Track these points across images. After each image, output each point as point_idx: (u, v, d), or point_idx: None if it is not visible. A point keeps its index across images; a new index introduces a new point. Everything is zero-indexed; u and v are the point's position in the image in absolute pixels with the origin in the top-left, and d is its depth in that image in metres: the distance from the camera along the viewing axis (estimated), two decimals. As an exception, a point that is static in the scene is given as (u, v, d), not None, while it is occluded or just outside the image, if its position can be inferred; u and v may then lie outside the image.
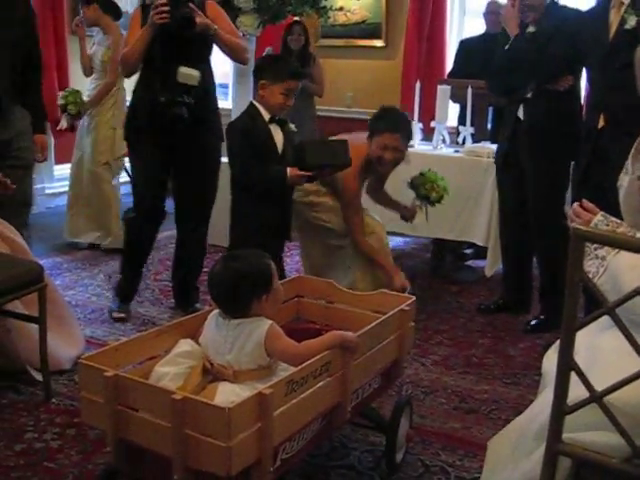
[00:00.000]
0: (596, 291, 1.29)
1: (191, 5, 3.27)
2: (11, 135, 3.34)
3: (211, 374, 1.99)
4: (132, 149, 3.64)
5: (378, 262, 3.47)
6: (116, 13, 4.84)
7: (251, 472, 1.76)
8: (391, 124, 3.34)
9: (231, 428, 1.64)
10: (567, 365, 1.37)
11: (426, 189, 3.62)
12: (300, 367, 1.88)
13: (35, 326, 2.72)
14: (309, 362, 1.89)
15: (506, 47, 3.65)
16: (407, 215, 3.70)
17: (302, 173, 3.01)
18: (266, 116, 3.13)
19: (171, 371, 1.96)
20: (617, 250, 1.60)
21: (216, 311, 2.07)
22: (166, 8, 3.23)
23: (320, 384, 1.94)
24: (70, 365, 2.99)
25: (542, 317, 3.75)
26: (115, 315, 3.67)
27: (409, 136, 3.50)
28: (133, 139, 3.59)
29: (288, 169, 3.02)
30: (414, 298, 2.44)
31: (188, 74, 3.32)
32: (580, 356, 1.59)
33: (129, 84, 4.01)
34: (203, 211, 3.69)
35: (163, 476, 1.75)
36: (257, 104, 3.13)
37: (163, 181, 3.62)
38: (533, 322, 3.77)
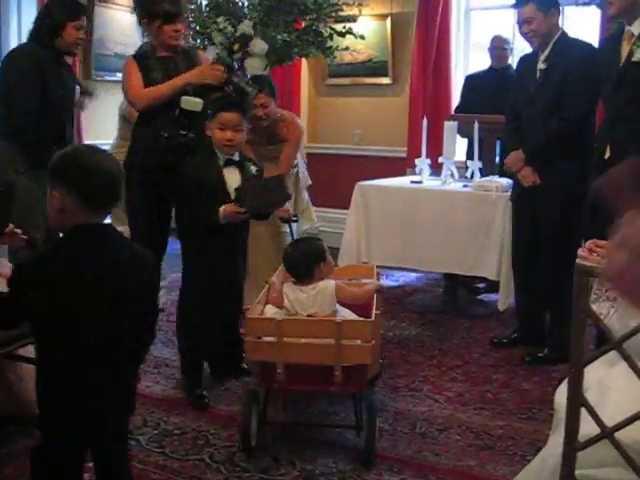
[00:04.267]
0: (603, 326, 1.29)
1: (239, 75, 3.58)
2: None
3: None
4: (130, 194, 3.28)
5: None
6: None
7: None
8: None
9: (374, 332, 2.65)
10: (577, 401, 1.36)
11: None
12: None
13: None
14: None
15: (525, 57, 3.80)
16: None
17: (237, 210, 3.07)
18: (222, 159, 3.17)
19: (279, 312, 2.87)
20: None
21: (288, 284, 2.92)
22: (224, 72, 3.44)
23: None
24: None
25: (545, 351, 3.73)
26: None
27: (272, 92, 4.14)
28: (133, 180, 3.25)
29: (222, 207, 3.06)
30: None
31: (191, 101, 3.37)
32: (591, 392, 1.59)
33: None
34: None
35: (314, 383, 2.73)
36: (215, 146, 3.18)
37: (164, 231, 3.57)
38: (538, 355, 3.75)
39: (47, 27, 3.69)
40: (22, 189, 3.32)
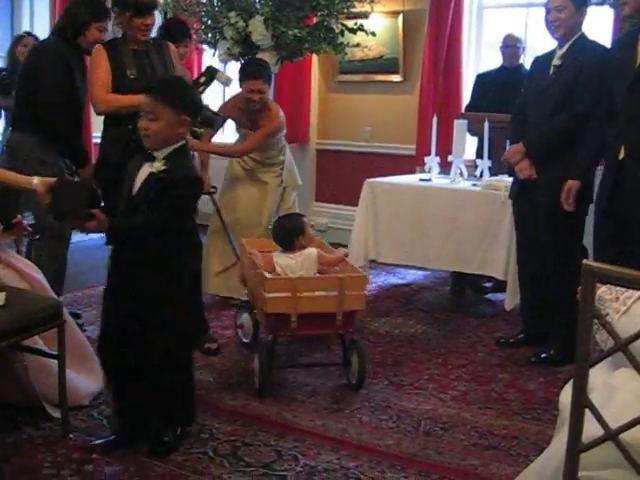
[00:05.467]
0: (608, 327, 1.28)
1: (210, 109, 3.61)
2: None
3: None
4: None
5: None
6: None
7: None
8: (252, 72, 4.13)
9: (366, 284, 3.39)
10: (581, 402, 1.36)
11: None
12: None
13: (54, 362, 2.74)
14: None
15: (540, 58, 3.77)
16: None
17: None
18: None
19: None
20: (623, 310, 1.61)
21: (277, 253, 3.48)
22: None
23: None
24: (88, 401, 3.01)
25: (551, 351, 3.72)
26: None
27: (269, 80, 4.30)
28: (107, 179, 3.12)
29: None
30: None
31: (229, 78, 3.51)
32: (596, 393, 1.58)
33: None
34: None
35: (318, 328, 3.31)
36: None
37: None
38: (542, 355, 3.74)
39: (72, 25, 3.76)
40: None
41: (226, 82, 4.02)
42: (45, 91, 3.73)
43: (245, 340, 3.78)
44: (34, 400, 2.84)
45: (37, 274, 2.99)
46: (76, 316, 3.95)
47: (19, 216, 2.94)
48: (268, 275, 3.26)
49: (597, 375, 1.41)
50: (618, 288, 1.76)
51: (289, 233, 3.48)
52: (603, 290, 1.72)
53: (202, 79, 3.58)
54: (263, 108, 4.26)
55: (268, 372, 3.25)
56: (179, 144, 2.62)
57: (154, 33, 3.85)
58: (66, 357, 2.74)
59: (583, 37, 3.65)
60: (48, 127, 3.73)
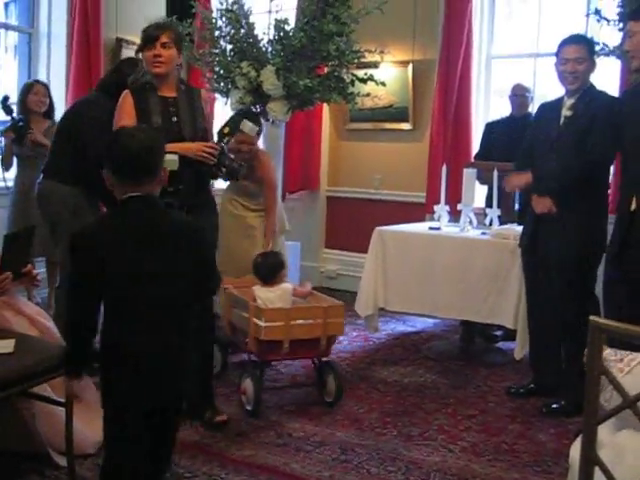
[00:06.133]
0: (616, 384, 1.28)
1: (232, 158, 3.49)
2: None
3: None
4: None
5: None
6: None
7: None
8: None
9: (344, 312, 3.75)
10: (590, 460, 1.34)
11: None
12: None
13: (61, 409, 2.73)
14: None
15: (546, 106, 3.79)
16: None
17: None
18: None
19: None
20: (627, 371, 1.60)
21: (258, 287, 3.75)
22: (215, 153, 3.30)
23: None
24: (94, 450, 2.98)
25: (562, 402, 3.68)
26: None
27: (260, 130, 4.40)
28: None
29: None
30: None
31: (166, 160, 3.29)
32: (607, 450, 1.57)
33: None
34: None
35: (304, 352, 3.72)
36: None
37: None
38: (553, 406, 3.70)
39: (116, 83, 3.86)
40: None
41: (250, 131, 4.04)
42: (94, 146, 3.79)
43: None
44: (40, 448, 2.83)
45: (47, 321, 3.01)
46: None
47: (29, 265, 2.96)
48: (263, 306, 3.63)
49: (605, 432, 1.39)
50: (622, 351, 1.76)
51: (273, 269, 3.81)
52: (608, 352, 1.72)
53: (226, 129, 3.49)
54: (252, 158, 4.32)
55: (260, 392, 3.55)
56: None
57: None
58: (73, 405, 2.73)
59: (592, 87, 3.68)
60: (95, 181, 3.81)
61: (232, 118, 3.58)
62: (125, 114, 3.31)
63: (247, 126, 3.87)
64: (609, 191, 3.84)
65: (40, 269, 5.19)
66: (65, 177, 4.00)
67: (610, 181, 3.89)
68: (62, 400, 2.72)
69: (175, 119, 3.32)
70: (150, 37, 3.32)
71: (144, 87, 3.42)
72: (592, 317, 1.26)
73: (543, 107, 3.92)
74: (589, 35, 4.26)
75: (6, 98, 5.11)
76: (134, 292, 2.13)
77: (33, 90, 5.18)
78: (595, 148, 3.51)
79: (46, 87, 5.31)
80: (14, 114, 5.05)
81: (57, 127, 4.26)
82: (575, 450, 1.94)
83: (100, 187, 3.78)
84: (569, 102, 3.66)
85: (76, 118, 4.04)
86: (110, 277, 2.12)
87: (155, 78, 3.37)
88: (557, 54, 3.68)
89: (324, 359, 3.78)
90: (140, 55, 3.45)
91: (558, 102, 3.74)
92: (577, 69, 3.58)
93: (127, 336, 2.13)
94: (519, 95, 5.32)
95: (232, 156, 3.54)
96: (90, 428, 2.98)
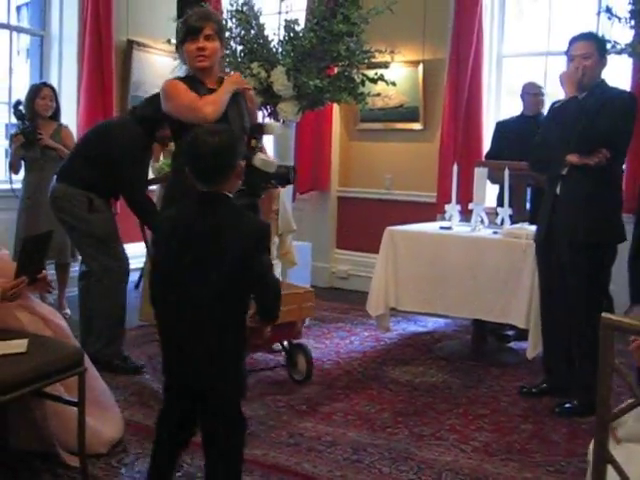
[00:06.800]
0: (629, 381, 1.27)
1: None
2: None
3: None
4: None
5: None
6: None
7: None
8: None
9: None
10: (603, 458, 1.34)
11: None
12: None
13: (74, 409, 2.74)
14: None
15: (556, 105, 3.71)
16: None
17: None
18: None
19: None
20: None
21: None
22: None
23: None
24: (107, 449, 3.00)
25: (575, 402, 3.66)
26: None
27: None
28: None
29: None
30: None
31: (268, 161, 3.23)
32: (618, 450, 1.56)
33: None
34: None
35: (284, 335, 3.95)
36: None
37: None
38: (567, 406, 3.68)
39: (152, 117, 3.88)
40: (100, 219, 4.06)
41: (275, 131, 4.03)
42: (131, 172, 3.95)
43: None
44: (52, 448, 2.84)
45: (61, 321, 3.02)
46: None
47: (44, 272, 2.97)
48: None
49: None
50: None
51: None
52: None
53: (253, 142, 3.32)
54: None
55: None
56: None
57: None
58: (86, 404, 2.74)
59: (603, 83, 3.67)
60: (133, 203, 4.10)
61: (254, 128, 3.40)
62: (185, 92, 3.16)
63: (271, 127, 3.81)
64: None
65: (49, 271, 5.24)
66: (79, 182, 4.07)
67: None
68: (75, 400, 2.74)
69: (223, 115, 3.18)
70: (193, 29, 3.16)
71: (191, 78, 3.27)
72: (604, 314, 1.25)
73: (555, 105, 3.89)
74: (600, 33, 4.24)
75: (19, 102, 5.15)
76: (170, 281, 2.31)
77: (41, 94, 5.21)
78: (603, 126, 3.48)
79: (53, 90, 5.33)
80: (25, 120, 5.08)
81: (83, 140, 4.36)
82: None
83: (135, 207, 4.04)
84: (580, 97, 3.65)
85: (109, 141, 4.07)
86: (157, 263, 2.40)
87: (198, 72, 3.23)
88: (567, 53, 3.68)
89: (295, 341, 4.06)
90: (181, 48, 3.27)
91: (569, 100, 3.72)
92: (584, 64, 3.58)
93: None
94: (532, 94, 5.29)
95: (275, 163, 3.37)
96: (103, 427, 2.99)
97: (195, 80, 3.25)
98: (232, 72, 4.28)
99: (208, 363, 2.29)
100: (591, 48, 3.59)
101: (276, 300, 2.38)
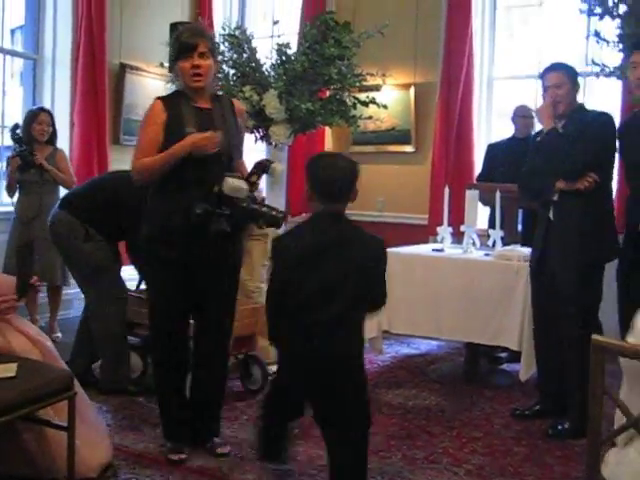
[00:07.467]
0: (620, 404, 1.27)
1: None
2: None
3: None
4: (153, 270, 3.29)
5: None
6: None
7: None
8: None
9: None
10: (594, 480, 1.33)
11: None
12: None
13: (62, 433, 2.71)
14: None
15: (538, 139, 3.74)
16: None
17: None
18: None
19: None
20: None
21: None
22: (217, 141, 3.07)
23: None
24: (97, 474, 2.96)
25: (568, 424, 3.64)
26: (171, 457, 3.22)
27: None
28: (156, 259, 3.21)
29: None
30: None
31: (236, 186, 3.03)
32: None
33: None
34: (227, 323, 3.38)
35: (242, 347, 4.13)
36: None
37: (188, 316, 3.34)
38: (559, 427, 3.67)
39: None
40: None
41: (278, 175, 3.93)
42: (130, 219, 3.70)
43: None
44: (42, 473, 2.81)
45: (47, 341, 3.01)
46: None
47: (34, 277, 2.99)
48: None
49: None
50: None
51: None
52: None
53: (254, 177, 3.21)
54: None
55: None
56: None
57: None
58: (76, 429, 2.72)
59: (582, 107, 3.76)
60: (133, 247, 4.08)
61: (259, 164, 3.27)
62: (152, 124, 3.11)
63: (276, 170, 3.71)
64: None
65: (41, 293, 5.22)
66: (79, 213, 4.05)
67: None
68: (64, 424, 2.71)
69: (211, 130, 3.10)
70: (187, 46, 3.09)
71: (177, 95, 3.23)
72: (594, 336, 1.25)
73: (537, 137, 3.91)
74: (590, 56, 4.30)
75: (16, 126, 5.17)
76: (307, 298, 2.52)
77: (38, 120, 5.24)
78: (586, 153, 3.54)
79: (50, 115, 5.36)
80: (22, 144, 5.11)
81: (99, 180, 4.44)
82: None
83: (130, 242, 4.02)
84: (560, 124, 3.69)
85: (128, 188, 3.73)
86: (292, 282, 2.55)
87: (190, 90, 3.16)
88: (542, 84, 3.78)
89: (250, 353, 4.24)
90: (175, 65, 3.19)
91: (549, 132, 3.73)
92: (558, 94, 3.67)
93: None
94: (525, 117, 5.32)
95: (267, 204, 3.26)
96: (92, 451, 2.96)
97: (182, 97, 3.19)
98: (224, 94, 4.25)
99: (343, 363, 2.54)
100: (562, 77, 3.68)
101: (384, 298, 2.67)
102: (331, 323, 2.48)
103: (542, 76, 3.79)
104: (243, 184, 3.06)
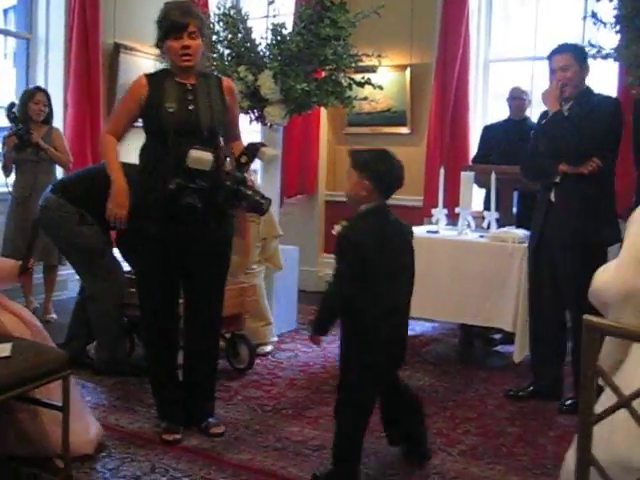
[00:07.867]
0: (611, 384, 1.27)
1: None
2: None
3: None
4: (135, 248, 3.32)
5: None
6: None
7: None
8: None
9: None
10: (586, 460, 1.34)
11: None
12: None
13: (54, 412, 2.71)
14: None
15: (543, 122, 3.72)
16: None
17: None
18: None
19: None
20: None
21: None
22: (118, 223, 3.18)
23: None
24: (92, 449, 2.98)
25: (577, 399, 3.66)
26: (165, 437, 3.24)
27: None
28: (136, 236, 3.23)
29: None
30: None
31: (199, 157, 2.98)
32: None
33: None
34: (216, 303, 3.38)
35: (230, 325, 4.15)
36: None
37: (176, 294, 3.32)
38: (568, 402, 3.69)
39: None
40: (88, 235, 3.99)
41: (269, 160, 3.84)
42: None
43: None
44: (37, 452, 2.82)
45: (36, 321, 3.01)
46: None
47: (32, 259, 3.01)
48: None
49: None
50: None
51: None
52: None
53: (243, 159, 3.17)
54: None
55: None
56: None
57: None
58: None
59: (588, 90, 3.70)
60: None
61: (249, 146, 3.26)
62: (130, 99, 3.16)
63: (266, 154, 3.63)
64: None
65: (37, 274, 5.21)
66: (74, 199, 4.03)
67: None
68: (59, 404, 2.71)
69: (192, 107, 3.11)
70: (178, 26, 3.06)
71: (162, 71, 3.25)
72: (586, 316, 1.25)
73: (542, 120, 3.89)
74: (586, 38, 4.27)
75: (12, 105, 5.15)
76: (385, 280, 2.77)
77: (34, 99, 5.22)
78: (592, 137, 3.54)
79: (47, 95, 5.34)
80: (17, 123, 5.09)
81: (93, 171, 4.27)
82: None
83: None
84: (566, 106, 3.68)
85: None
86: (371, 272, 2.72)
87: (175, 68, 3.16)
88: (549, 67, 3.75)
89: (238, 332, 4.25)
90: (163, 49, 3.18)
91: (555, 115, 3.72)
92: (565, 76, 3.64)
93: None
94: (516, 98, 5.33)
95: (254, 188, 3.23)
96: (86, 428, 2.98)
97: (168, 74, 3.20)
98: (220, 75, 4.22)
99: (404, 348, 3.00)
100: (569, 59, 3.65)
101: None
102: (406, 307, 2.95)
103: (549, 58, 3.74)
104: (207, 156, 2.99)
